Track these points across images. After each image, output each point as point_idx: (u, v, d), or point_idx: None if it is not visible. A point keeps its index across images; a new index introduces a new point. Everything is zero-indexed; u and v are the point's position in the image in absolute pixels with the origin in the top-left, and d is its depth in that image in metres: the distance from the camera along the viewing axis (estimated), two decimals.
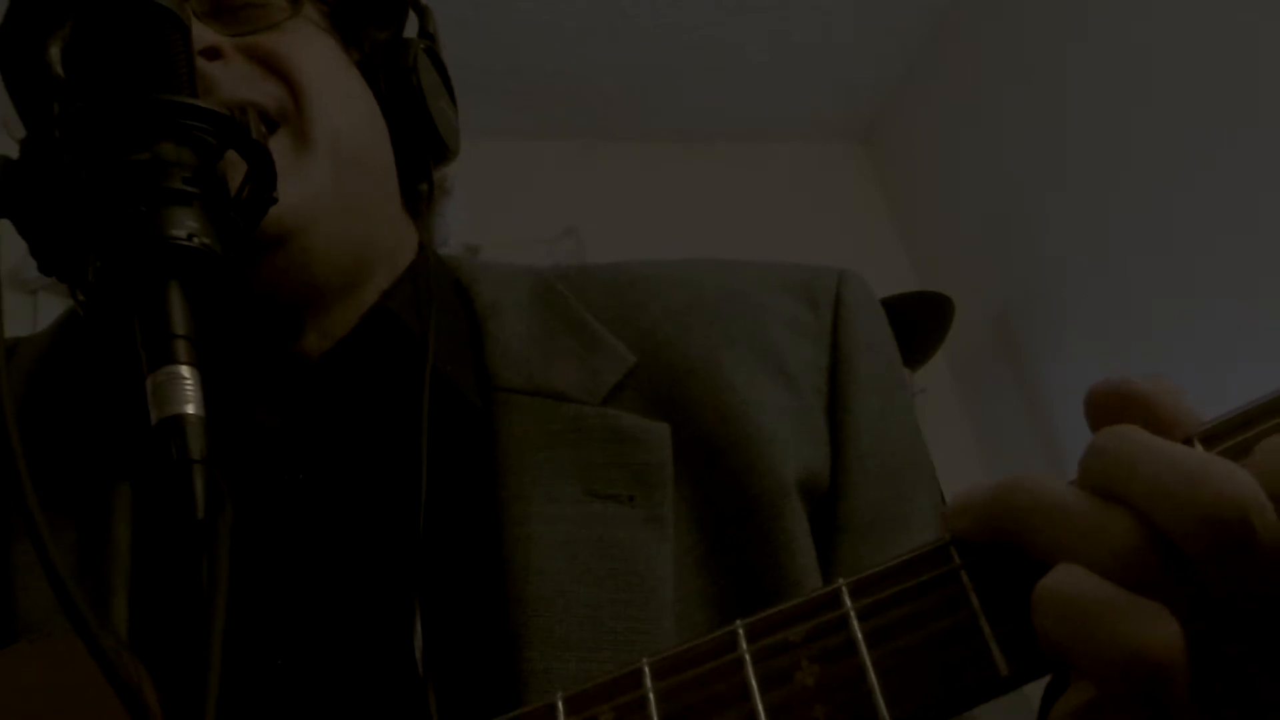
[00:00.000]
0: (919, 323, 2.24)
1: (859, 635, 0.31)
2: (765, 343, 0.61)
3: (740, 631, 0.32)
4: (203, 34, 0.56)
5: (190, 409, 0.40)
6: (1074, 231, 2.26)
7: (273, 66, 0.58)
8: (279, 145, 0.56)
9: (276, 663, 0.52)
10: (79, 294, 0.59)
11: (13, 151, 0.50)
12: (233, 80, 0.56)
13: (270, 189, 0.49)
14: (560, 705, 0.33)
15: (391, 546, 0.54)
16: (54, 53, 0.43)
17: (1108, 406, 0.31)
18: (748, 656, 0.32)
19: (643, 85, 2.61)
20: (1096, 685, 0.28)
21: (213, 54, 0.56)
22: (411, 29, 0.70)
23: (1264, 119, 1.84)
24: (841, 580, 0.32)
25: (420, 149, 0.65)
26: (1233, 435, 0.30)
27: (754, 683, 0.31)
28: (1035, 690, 0.37)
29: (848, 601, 0.31)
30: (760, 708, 0.30)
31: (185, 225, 0.42)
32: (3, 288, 0.42)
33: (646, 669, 0.33)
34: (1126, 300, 2.13)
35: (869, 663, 0.30)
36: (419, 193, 0.68)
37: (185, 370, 0.40)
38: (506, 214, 2.19)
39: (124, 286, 0.42)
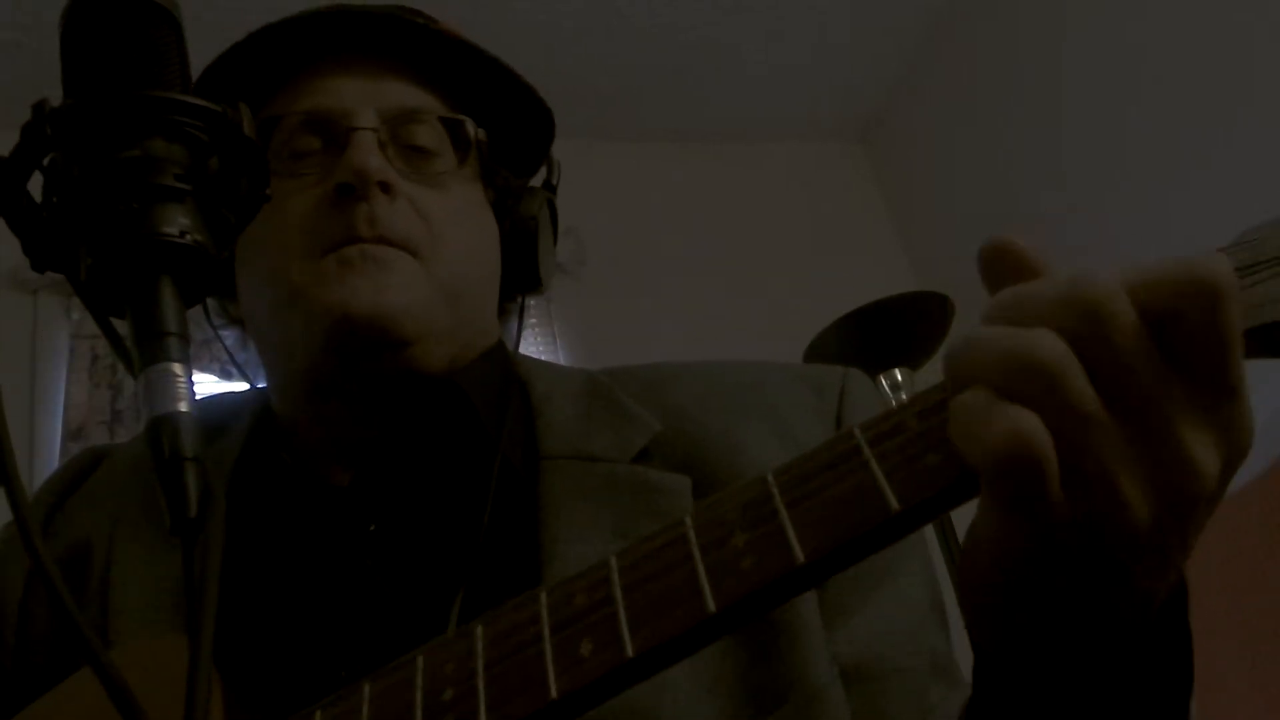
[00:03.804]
0: (919, 323, 2.23)
1: (779, 502, 0.38)
2: (777, 418, 0.69)
3: (687, 520, 0.40)
4: (384, 169, 0.66)
5: (183, 406, 0.40)
6: (1070, 230, 2.26)
7: (426, 217, 0.68)
8: (410, 265, 0.66)
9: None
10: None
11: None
12: (392, 216, 0.66)
13: (264, 185, 0.49)
14: (543, 592, 0.41)
15: (453, 591, 0.61)
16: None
17: (999, 265, 0.42)
18: (691, 534, 0.39)
19: (639, 85, 2.62)
20: (985, 485, 0.35)
21: (386, 187, 0.66)
22: None
23: (1259, 118, 1.84)
24: (769, 472, 0.40)
25: (521, 281, 0.77)
26: None
27: (696, 551, 0.39)
28: None
29: (771, 479, 0.39)
30: (701, 567, 0.38)
31: (177, 222, 0.42)
32: (3, 288, 0.43)
33: (613, 558, 0.41)
34: None
35: (787, 520, 0.38)
36: (509, 303, 0.81)
37: (177, 368, 0.40)
38: None
39: (116, 284, 0.42)
